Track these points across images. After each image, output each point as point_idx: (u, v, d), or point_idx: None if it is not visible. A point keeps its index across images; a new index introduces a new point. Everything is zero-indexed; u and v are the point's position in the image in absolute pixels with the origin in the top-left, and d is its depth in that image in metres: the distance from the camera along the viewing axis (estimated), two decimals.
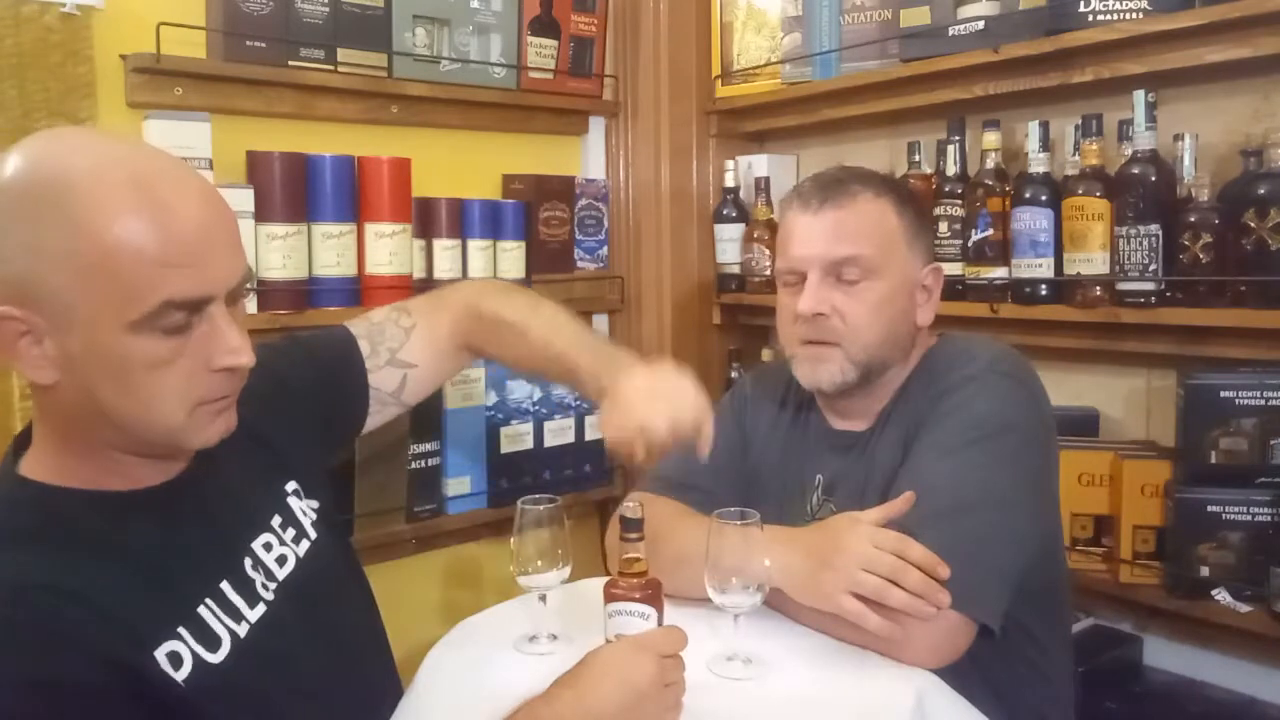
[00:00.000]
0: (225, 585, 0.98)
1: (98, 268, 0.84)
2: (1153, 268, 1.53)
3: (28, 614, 0.83)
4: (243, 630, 0.97)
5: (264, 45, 1.83)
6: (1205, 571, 1.52)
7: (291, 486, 1.15)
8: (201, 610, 0.94)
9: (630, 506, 1.08)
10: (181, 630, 0.91)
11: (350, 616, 1.18)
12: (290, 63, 1.87)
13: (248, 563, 1.02)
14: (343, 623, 1.15)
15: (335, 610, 1.14)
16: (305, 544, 1.12)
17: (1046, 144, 1.69)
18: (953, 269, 1.77)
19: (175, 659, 0.89)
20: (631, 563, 1.07)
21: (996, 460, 1.20)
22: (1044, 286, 1.68)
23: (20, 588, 0.84)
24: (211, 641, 0.93)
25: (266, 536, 1.07)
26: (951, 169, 1.85)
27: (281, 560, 1.07)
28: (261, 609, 1.00)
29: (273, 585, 1.03)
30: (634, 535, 1.08)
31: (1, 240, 0.85)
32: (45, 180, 0.85)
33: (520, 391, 2.21)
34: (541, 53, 2.21)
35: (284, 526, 1.10)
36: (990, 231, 1.75)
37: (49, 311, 0.86)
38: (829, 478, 1.39)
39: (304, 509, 1.15)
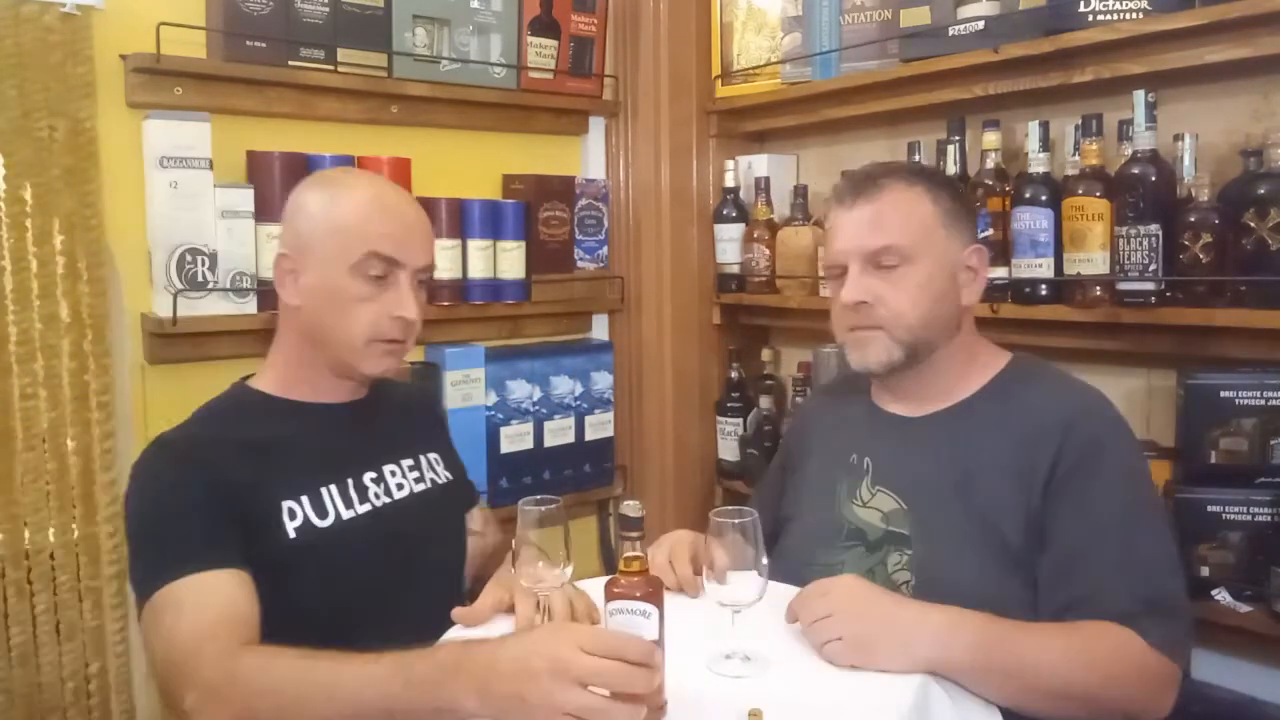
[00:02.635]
0: (349, 481, 1.35)
1: (339, 230, 1.31)
2: (1153, 268, 1.53)
3: (187, 448, 1.28)
4: (347, 515, 1.32)
5: (264, 45, 1.83)
6: (1205, 571, 1.52)
7: (434, 456, 1.50)
8: (323, 490, 1.31)
9: (630, 505, 1.08)
10: (303, 498, 1.29)
11: (433, 557, 1.42)
12: (290, 63, 1.87)
13: (369, 476, 1.38)
14: (425, 557, 1.40)
15: (423, 544, 1.40)
16: (423, 487, 1.44)
17: (1046, 144, 1.69)
18: None
19: (291, 513, 1.28)
20: (631, 561, 1.07)
21: (1159, 513, 1.28)
22: (1044, 286, 1.68)
23: (199, 437, 1.30)
24: (321, 512, 1.30)
25: (394, 468, 1.42)
26: (951, 169, 1.85)
27: (400, 487, 1.41)
28: (368, 508, 1.35)
29: (384, 499, 1.38)
30: (634, 534, 1.07)
31: (294, 218, 1.35)
32: (329, 188, 1.36)
33: (520, 391, 2.21)
34: (541, 53, 2.21)
35: (412, 469, 1.44)
36: (990, 231, 1.75)
37: (306, 255, 1.32)
38: (879, 461, 1.40)
39: (437, 469, 1.49)
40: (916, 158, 1.93)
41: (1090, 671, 1.13)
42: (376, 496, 1.37)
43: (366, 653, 1.04)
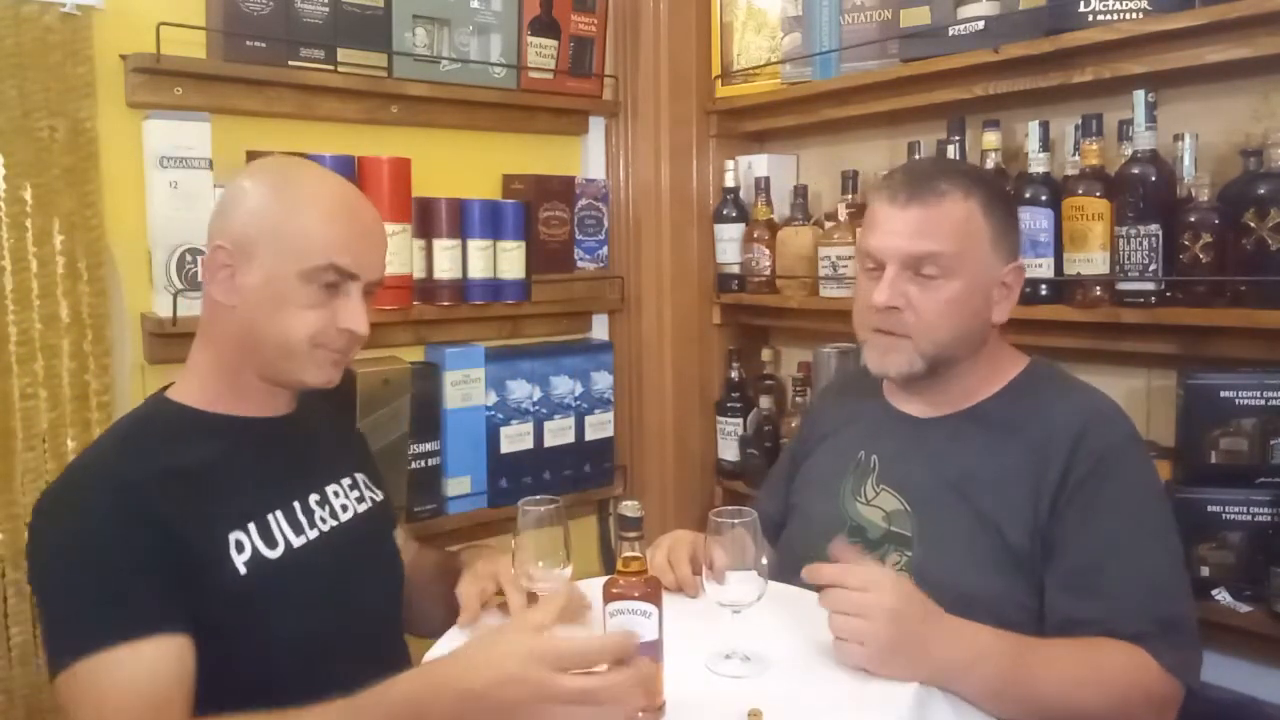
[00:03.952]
0: (295, 505, 1.26)
1: (293, 233, 1.20)
2: (1153, 268, 1.53)
3: (110, 481, 1.12)
4: (298, 542, 1.23)
5: (264, 45, 1.83)
6: (1205, 571, 1.52)
7: (361, 477, 1.42)
8: (270, 517, 1.22)
9: (629, 505, 1.08)
10: (250, 525, 1.19)
11: (382, 579, 1.38)
12: (290, 63, 1.87)
13: (314, 498, 1.30)
14: (375, 580, 1.36)
15: (369, 565, 1.35)
16: (365, 506, 1.38)
17: (1046, 144, 1.69)
18: None
19: (239, 545, 1.17)
20: (630, 561, 1.07)
21: (1171, 529, 1.27)
22: (1044, 286, 1.68)
23: (120, 468, 1.14)
24: (271, 542, 1.21)
25: (336, 487, 1.34)
26: None
27: (344, 508, 1.33)
28: (315, 533, 1.26)
29: (330, 522, 1.30)
30: (633, 534, 1.07)
31: (237, 208, 1.22)
32: (282, 182, 1.24)
33: (520, 391, 2.21)
34: (541, 53, 2.21)
35: (352, 488, 1.38)
36: None
37: (248, 253, 1.20)
38: (885, 460, 1.40)
39: (371, 488, 1.42)
40: (916, 158, 1.93)
41: (1101, 694, 1.14)
42: (323, 520, 1.28)
43: (314, 707, 1.00)
